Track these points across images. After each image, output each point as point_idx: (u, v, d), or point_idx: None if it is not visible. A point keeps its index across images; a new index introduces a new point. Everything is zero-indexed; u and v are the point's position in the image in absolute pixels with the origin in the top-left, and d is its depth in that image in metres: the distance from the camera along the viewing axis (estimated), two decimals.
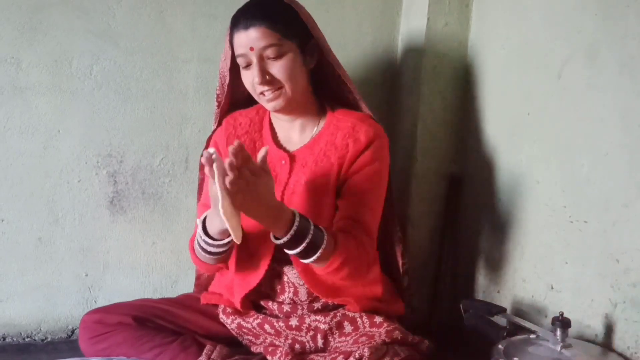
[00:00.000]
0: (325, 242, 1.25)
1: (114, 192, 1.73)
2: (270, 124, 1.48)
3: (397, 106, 1.88)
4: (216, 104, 1.54)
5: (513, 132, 1.60)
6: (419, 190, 1.82)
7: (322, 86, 1.49)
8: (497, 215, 1.66)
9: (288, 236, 1.21)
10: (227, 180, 1.09)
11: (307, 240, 1.22)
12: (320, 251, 1.24)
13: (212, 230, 1.29)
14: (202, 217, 1.33)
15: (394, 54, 1.88)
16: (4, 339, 1.70)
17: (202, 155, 1.55)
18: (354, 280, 1.37)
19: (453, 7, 1.75)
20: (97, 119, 1.68)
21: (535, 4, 1.53)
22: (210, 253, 1.34)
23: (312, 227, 1.24)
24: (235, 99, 1.50)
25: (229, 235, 1.25)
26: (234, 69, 1.41)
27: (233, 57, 1.38)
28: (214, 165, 1.10)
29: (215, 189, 1.13)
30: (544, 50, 1.49)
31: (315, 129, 1.45)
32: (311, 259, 1.25)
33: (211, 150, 1.12)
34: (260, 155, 1.17)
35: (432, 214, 1.84)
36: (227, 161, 1.09)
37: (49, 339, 1.73)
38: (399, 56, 1.88)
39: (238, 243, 1.19)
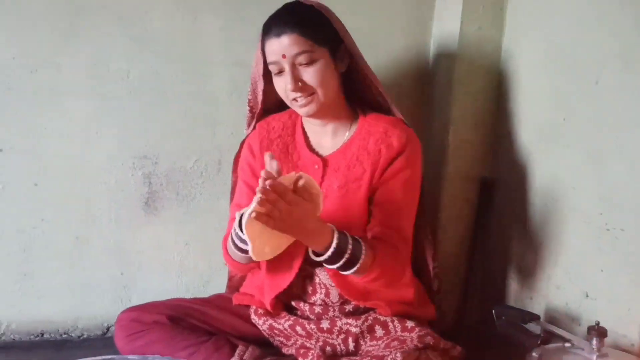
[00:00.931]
0: (363, 254, 1.25)
1: (148, 193, 1.76)
2: (303, 128, 1.49)
3: (428, 110, 1.87)
4: (248, 108, 1.55)
5: (547, 137, 1.59)
6: (450, 193, 1.81)
7: (354, 90, 1.49)
8: (530, 220, 1.64)
9: (328, 254, 1.22)
10: (257, 209, 1.11)
11: (346, 256, 1.23)
12: (359, 264, 1.25)
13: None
14: (239, 213, 1.32)
15: (426, 58, 1.87)
16: (42, 335, 1.75)
17: (236, 159, 1.58)
18: (390, 287, 1.38)
19: (487, 10, 1.73)
20: (133, 122, 1.71)
21: (570, 8, 1.51)
22: (243, 251, 1.34)
23: (350, 242, 1.24)
24: (268, 103, 1.52)
25: None
26: (267, 74, 1.42)
27: (265, 63, 1.39)
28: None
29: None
30: (579, 55, 1.47)
31: (347, 133, 1.46)
32: (350, 271, 1.26)
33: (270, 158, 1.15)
34: (300, 183, 1.17)
35: (463, 217, 1.83)
36: (257, 194, 1.11)
37: (84, 336, 1.78)
38: (431, 60, 1.87)
39: (256, 260, 1.21)
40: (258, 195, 1.11)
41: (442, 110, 1.81)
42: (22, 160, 1.66)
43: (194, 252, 1.82)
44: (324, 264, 1.27)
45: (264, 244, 1.21)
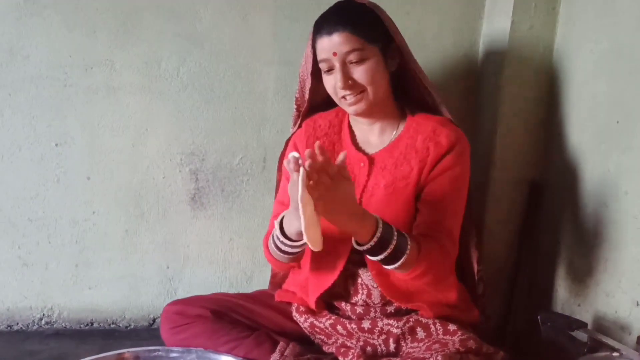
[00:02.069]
0: (409, 248, 1.24)
1: (195, 189, 1.80)
2: (349, 127, 1.49)
3: (477, 110, 1.84)
4: (295, 107, 1.56)
5: (600, 139, 1.54)
6: (497, 196, 1.78)
7: (402, 90, 1.48)
8: (579, 225, 1.60)
9: (371, 243, 1.22)
10: (306, 187, 1.10)
11: (391, 247, 1.22)
12: (404, 258, 1.24)
13: (289, 230, 1.31)
14: (279, 217, 1.35)
15: (475, 57, 1.84)
16: (92, 324, 1.81)
17: (281, 158, 1.60)
18: (435, 286, 1.37)
19: (539, 9, 1.69)
20: (182, 119, 1.76)
21: (627, 7, 1.46)
22: (285, 252, 1.37)
23: (395, 234, 1.23)
24: (315, 101, 1.52)
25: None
26: (315, 73, 1.43)
27: (315, 61, 1.40)
28: (301, 170, 1.11)
29: (295, 194, 1.14)
30: (637, 55, 1.42)
31: (395, 132, 1.45)
32: (394, 266, 1.25)
33: (295, 154, 1.13)
34: (338, 160, 1.17)
35: (510, 220, 1.79)
36: (306, 164, 1.10)
37: (132, 326, 1.83)
38: (480, 59, 1.84)
39: (316, 250, 1.19)
40: (308, 161, 1.10)
41: (490, 110, 1.78)
42: (76, 155, 1.73)
43: (238, 247, 1.85)
44: (367, 256, 1.26)
45: (316, 230, 1.18)
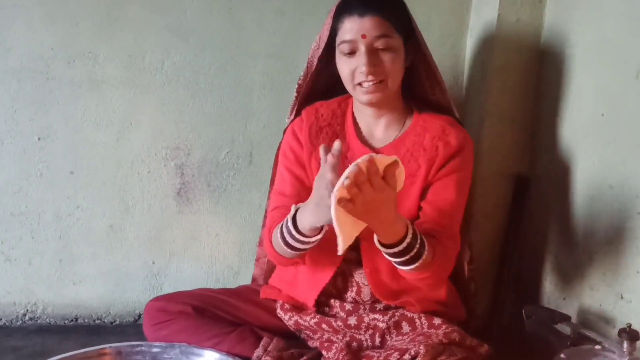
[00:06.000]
0: (426, 253, 1.22)
1: (180, 184, 1.78)
2: (354, 119, 1.46)
3: (463, 103, 1.83)
4: (295, 94, 1.52)
5: (586, 133, 1.54)
6: (484, 190, 1.77)
7: (409, 87, 1.46)
8: (565, 219, 1.59)
9: (399, 248, 1.19)
10: (341, 193, 1.04)
11: (413, 252, 1.20)
12: (419, 262, 1.22)
13: (303, 225, 1.23)
14: (292, 210, 1.27)
15: (461, 50, 1.84)
16: (76, 319, 1.80)
17: (279, 148, 1.55)
18: (435, 287, 1.38)
19: (526, 2, 1.69)
20: (167, 113, 1.74)
21: (612, 1, 1.45)
22: (293, 248, 1.29)
23: (419, 239, 1.21)
24: (314, 90, 1.50)
25: (319, 232, 1.23)
26: (322, 58, 1.40)
27: (327, 45, 1.37)
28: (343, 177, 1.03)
29: (323, 186, 1.10)
30: (622, 49, 1.41)
31: (401, 128, 1.43)
32: (408, 267, 1.23)
33: (337, 145, 1.08)
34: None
35: (497, 215, 1.79)
36: (346, 175, 1.03)
37: (117, 322, 1.81)
38: (467, 52, 1.83)
39: (340, 253, 1.09)
40: (345, 180, 1.03)
41: (477, 104, 1.77)
42: (59, 149, 1.71)
43: (224, 243, 1.83)
44: (387, 256, 1.23)
45: (351, 231, 1.11)
